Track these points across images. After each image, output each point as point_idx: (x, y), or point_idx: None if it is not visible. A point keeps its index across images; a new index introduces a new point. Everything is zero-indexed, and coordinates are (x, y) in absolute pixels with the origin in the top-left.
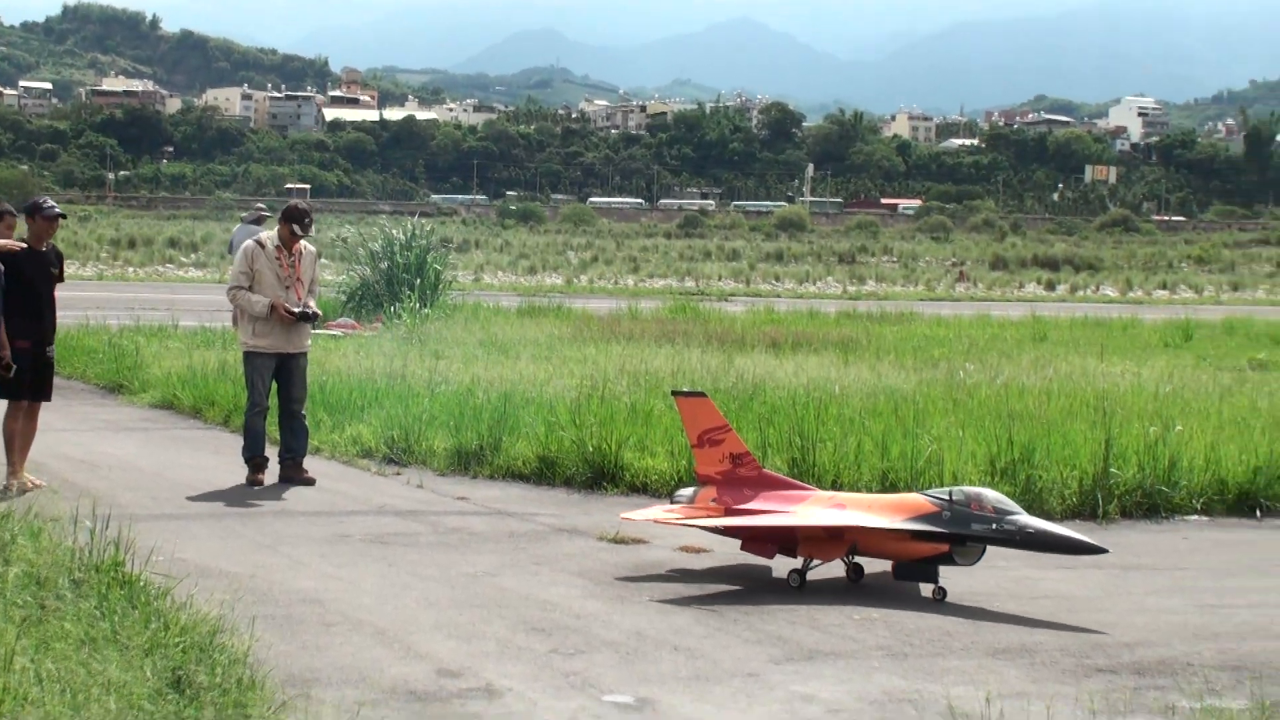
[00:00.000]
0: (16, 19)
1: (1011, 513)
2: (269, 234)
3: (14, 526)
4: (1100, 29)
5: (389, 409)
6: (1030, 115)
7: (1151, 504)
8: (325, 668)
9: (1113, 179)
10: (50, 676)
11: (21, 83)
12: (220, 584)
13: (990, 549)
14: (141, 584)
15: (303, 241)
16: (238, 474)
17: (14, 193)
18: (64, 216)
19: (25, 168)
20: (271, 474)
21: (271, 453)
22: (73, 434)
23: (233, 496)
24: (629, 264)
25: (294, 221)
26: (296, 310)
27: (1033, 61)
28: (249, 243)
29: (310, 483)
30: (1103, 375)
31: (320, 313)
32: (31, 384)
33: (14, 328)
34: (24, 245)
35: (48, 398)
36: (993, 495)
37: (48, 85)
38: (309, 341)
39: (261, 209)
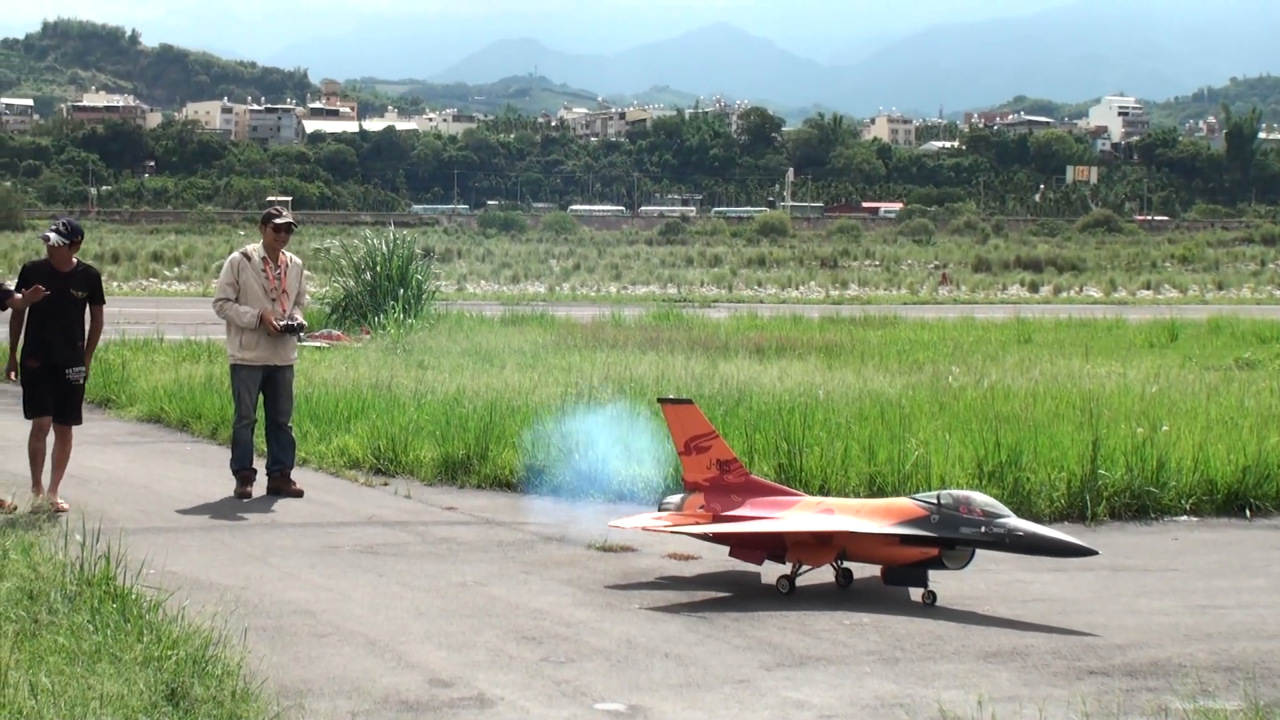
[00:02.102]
0: None
1: (1000, 516)
2: (254, 246)
3: (5, 541)
4: (1077, 29)
5: (375, 420)
6: (1010, 116)
7: (1140, 505)
8: (318, 679)
9: (1094, 179)
10: (45, 690)
11: (2, 99)
12: (212, 596)
13: (980, 552)
14: (134, 597)
15: (288, 254)
16: (226, 487)
17: None
18: (81, 236)
19: (8, 184)
20: (259, 486)
21: (259, 465)
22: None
23: (222, 509)
24: (611, 271)
25: (271, 220)
26: (282, 324)
27: (1011, 63)
28: (235, 254)
29: (298, 494)
30: (1089, 376)
31: (306, 325)
32: (55, 406)
33: (27, 346)
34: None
35: (75, 420)
36: (981, 498)
37: (29, 101)
38: (295, 354)
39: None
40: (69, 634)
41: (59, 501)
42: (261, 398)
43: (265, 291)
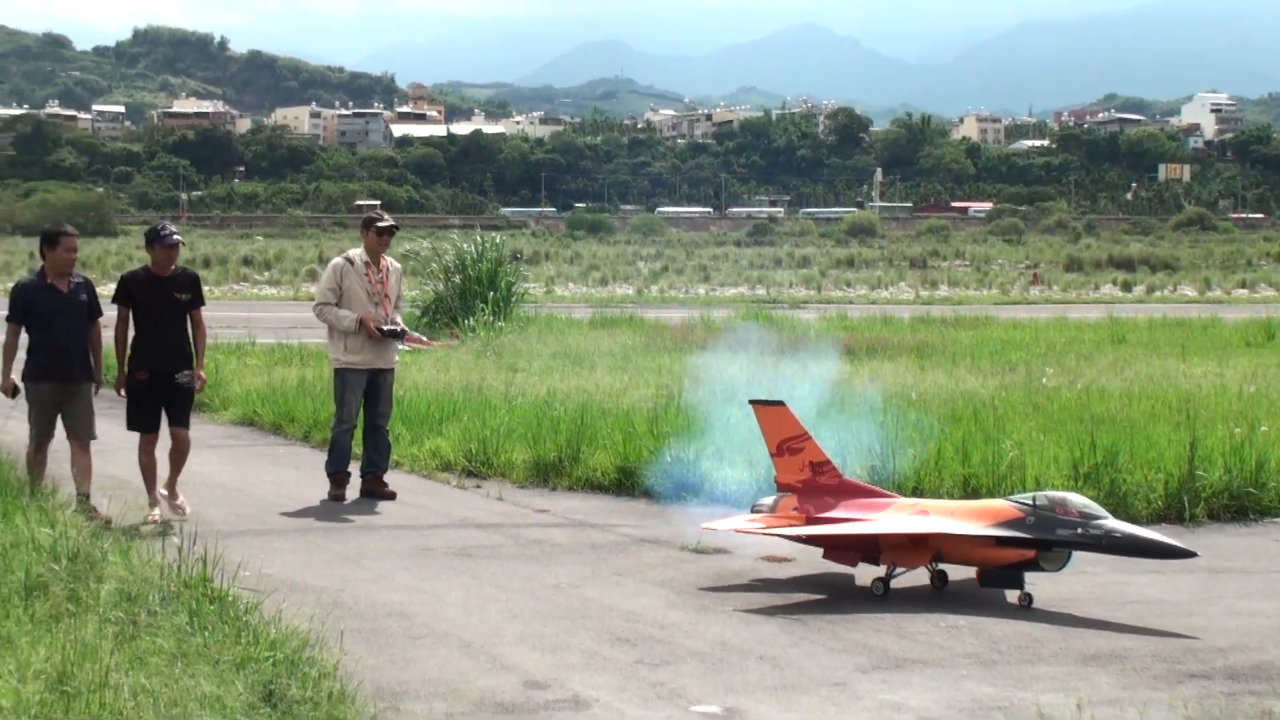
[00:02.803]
0: (89, 44)
1: (1097, 517)
2: (356, 250)
3: (104, 544)
4: (1169, 25)
5: (467, 422)
6: (1100, 114)
7: (1239, 506)
8: (414, 680)
9: (1187, 177)
10: (145, 691)
11: (95, 106)
12: (308, 598)
13: (1076, 554)
14: (231, 599)
15: (388, 258)
16: (319, 489)
17: (90, 215)
18: (183, 243)
19: (101, 190)
20: (353, 489)
21: (353, 468)
22: (157, 452)
23: (316, 511)
24: (699, 273)
25: (373, 225)
26: (385, 329)
27: (1102, 60)
28: (337, 259)
29: (391, 496)
30: (1184, 376)
31: (407, 329)
32: (167, 412)
33: (133, 357)
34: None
35: (184, 424)
36: (1078, 500)
37: (120, 108)
38: (396, 357)
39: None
40: (168, 635)
41: (180, 503)
42: (364, 403)
43: (368, 296)
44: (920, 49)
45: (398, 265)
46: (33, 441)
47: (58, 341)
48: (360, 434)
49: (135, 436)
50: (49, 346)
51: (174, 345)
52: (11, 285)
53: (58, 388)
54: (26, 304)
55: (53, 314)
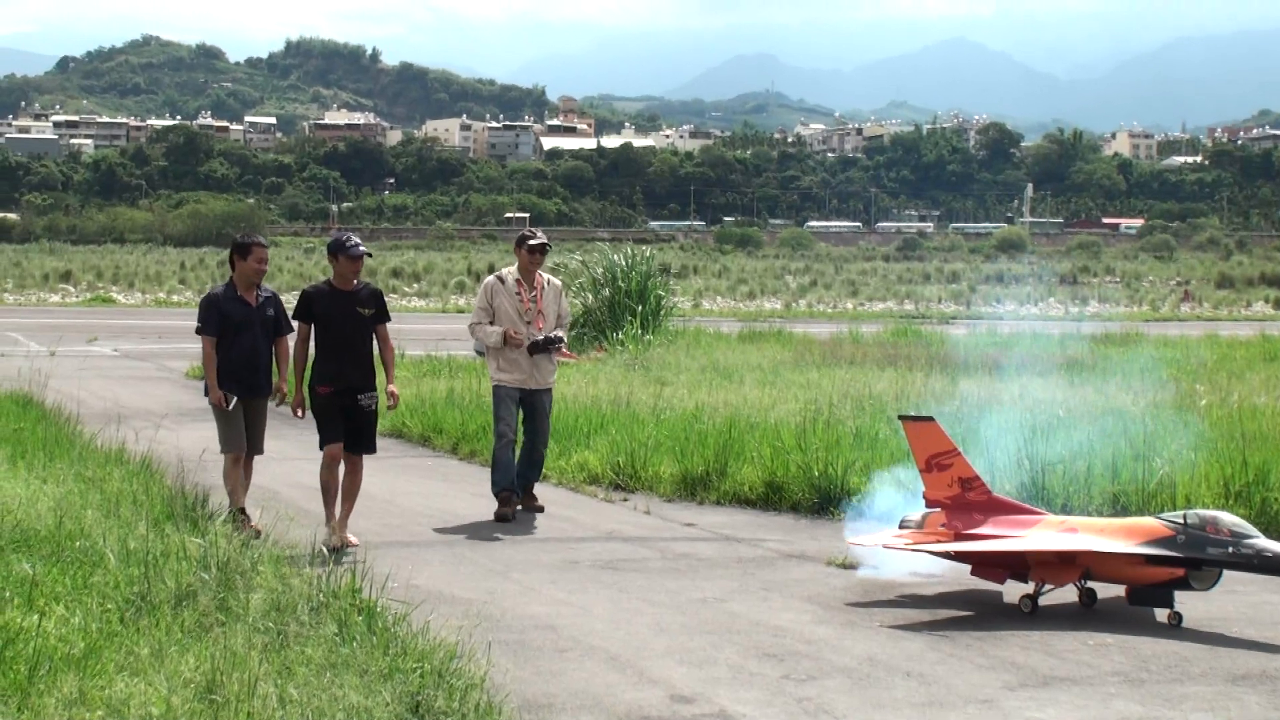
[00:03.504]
0: (242, 55)
1: (1248, 536)
2: (509, 269)
3: (255, 554)
4: None
5: (615, 435)
6: (1255, 130)
7: None
8: (560, 693)
9: None
10: (293, 701)
11: (247, 118)
12: (455, 610)
13: (1227, 573)
14: (379, 610)
15: (545, 275)
16: (467, 501)
17: (240, 225)
18: (369, 255)
19: (252, 201)
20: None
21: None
22: (306, 463)
23: (463, 523)
24: (848, 288)
25: (524, 243)
26: (531, 340)
27: (1256, 75)
28: (490, 278)
29: (539, 510)
30: None
31: (564, 339)
32: (347, 433)
33: (316, 373)
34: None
35: (369, 449)
36: (1229, 518)
37: (272, 120)
38: (554, 378)
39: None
40: (316, 646)
41: (349, 537)
42: (521, 420)
43: (519, 314)
44: (1072, 64)
45: (557, 283)
46: (228, 456)
47: (243, 354)
48: (521, 450)
49: (286, 447)
50: (234, 359)
51: (358, 362)
52: (202, 297)
53: (241, 401)
54: (222, 315)
55: (240, 326)
